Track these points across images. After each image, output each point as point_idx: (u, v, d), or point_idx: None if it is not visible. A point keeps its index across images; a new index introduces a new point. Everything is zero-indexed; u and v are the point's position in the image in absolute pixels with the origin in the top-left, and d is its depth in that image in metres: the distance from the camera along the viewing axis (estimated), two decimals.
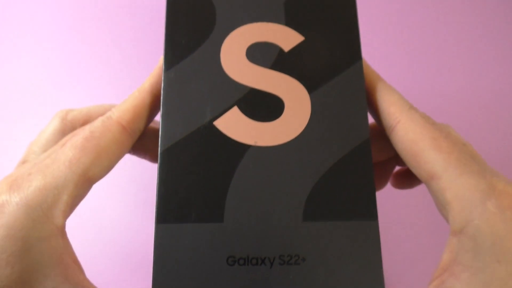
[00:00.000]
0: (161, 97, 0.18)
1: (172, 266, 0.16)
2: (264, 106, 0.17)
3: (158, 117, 0.19)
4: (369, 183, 0.17)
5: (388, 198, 0.33)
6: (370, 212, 0.16)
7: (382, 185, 0.25)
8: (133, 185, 0.34)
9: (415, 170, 0.18)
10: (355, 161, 0.17)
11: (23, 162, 0.20)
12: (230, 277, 0.16)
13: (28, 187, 0.16)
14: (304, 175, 0.17)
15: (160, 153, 0.17)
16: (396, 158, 0.22)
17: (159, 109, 0.19)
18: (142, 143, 0.20)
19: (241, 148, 0.17)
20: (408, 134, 0.18)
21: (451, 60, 0.41)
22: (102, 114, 0.21)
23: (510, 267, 0.15)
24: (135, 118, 0.18)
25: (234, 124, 0.17)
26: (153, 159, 0.22)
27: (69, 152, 0.17)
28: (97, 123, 0.18)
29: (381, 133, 0.20)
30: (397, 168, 0.25)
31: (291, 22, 0.19)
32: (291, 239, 0.16)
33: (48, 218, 0.16)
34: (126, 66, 0.38)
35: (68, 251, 0.17)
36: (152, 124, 0.21)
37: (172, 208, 0.16)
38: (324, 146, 0.17)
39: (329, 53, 0.18)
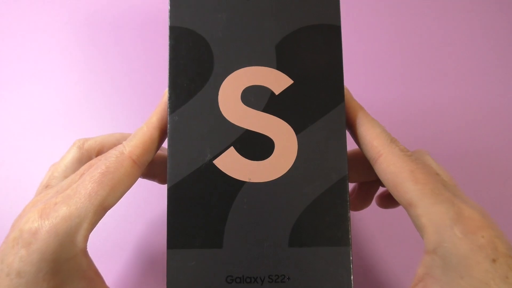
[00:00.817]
0: (167, 139, 0.20)
1: (181, 284, 0.19)
2: (256, 146, 0.20)
3: (165, 144, 0.22)
4: (344, 214, 0.20)
5: (371, 219, 0.36)
6: (344, 240, 0.20)
7: (366, 204, 0.28)
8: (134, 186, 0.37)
9: (396, 198, 0.20)
10: (334, 195, 0.20)
11: (46, 186, 0.22)
12: None
13: (56, 217, 0.19)
14: (290, 207, 0.20)
15: (168, 189, 0.20)
16: (379, 180, 0.25)
17: (165, 139, 0.21)
18: (151, 170, 0.23)
19: (237, 184, 0.20)
20: (389, 167, 0.20)
21: (445, 68, 0.42)
22: (114, 144, 0.23)
23: (471, 281, 0.18)
24: (144, 152, 0.21)
25: (231, 163, 0.20)
26: (161, 181, 0.24)
27: (88, 185, 0.19)
28: (111, 158, 0.20)
29: (365, 158, 0.22)
30: (382, 189, 0.28)
31: (281, 65, 0.21)
32: (279, 261, 0.19)
33: (73, 243, 0.19)
34: (135, 93, 0.41)
35: (91, 267, 0.20)
36: (159, 152, 0.23)
37: (180, 236, 0.19)
38: (307, 182, 0.20)
39: (315, 96, 0.21)
